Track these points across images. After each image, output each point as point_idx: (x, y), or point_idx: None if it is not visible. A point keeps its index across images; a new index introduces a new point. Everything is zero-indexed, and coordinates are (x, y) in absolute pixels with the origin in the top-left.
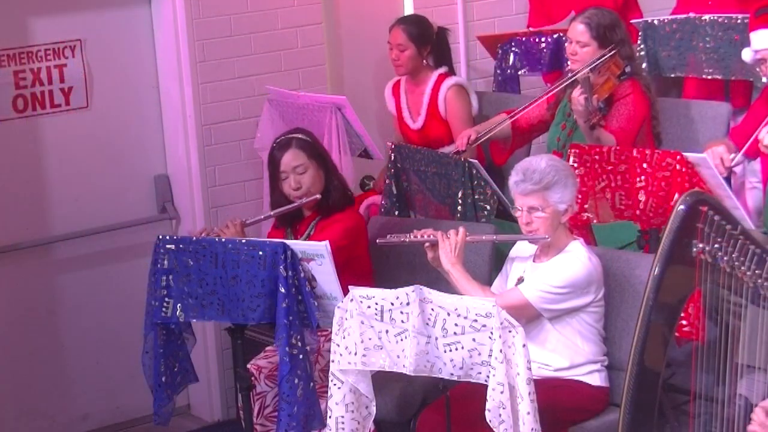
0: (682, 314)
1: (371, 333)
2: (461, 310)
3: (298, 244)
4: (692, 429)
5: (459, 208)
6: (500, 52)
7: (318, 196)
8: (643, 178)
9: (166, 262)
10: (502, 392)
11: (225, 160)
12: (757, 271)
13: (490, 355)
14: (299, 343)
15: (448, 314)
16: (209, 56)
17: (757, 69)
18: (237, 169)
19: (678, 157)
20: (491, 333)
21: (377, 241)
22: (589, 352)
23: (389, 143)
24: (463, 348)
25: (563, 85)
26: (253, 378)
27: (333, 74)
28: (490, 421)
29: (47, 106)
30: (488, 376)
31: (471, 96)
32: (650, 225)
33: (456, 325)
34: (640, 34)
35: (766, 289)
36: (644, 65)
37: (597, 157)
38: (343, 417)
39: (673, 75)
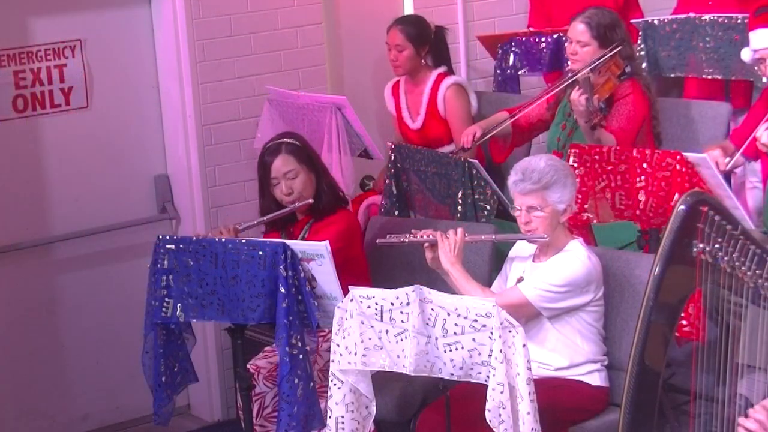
0: (682, 314)
1: (371, 333)
2: (461, 310)
3: (298, 244)
4: (692, 429)
5: (459, 208)
6: (500, 52)
7: (311, 200)
8: (643, 178)
9: (166, 262)
10: (502, 392)
11: (225, 160)
12: (757, 272)
13: (490, 355)
14: (299, 343)
15: (448, 314)
16: (209, 56)
17: (756, 68)
18: (237, 169)
19: (678, 157)
20: (491, 333)
21: (377, 241)
22: (588, 351)
23: (389, 143)
24: (463, 348)
25: (564, 85)
26: (252, 378)
27: (333, 74)
28: (490, 421)
29: (47, 106)
30: (488, 376)
31: (470, 95)
32: (650, 225)
33: (456, 325)
34: (640, 34)
35: (767, 290)
36: (644, 65)
37: (597, 157)
38: (343, 417)
39: (673, 75)
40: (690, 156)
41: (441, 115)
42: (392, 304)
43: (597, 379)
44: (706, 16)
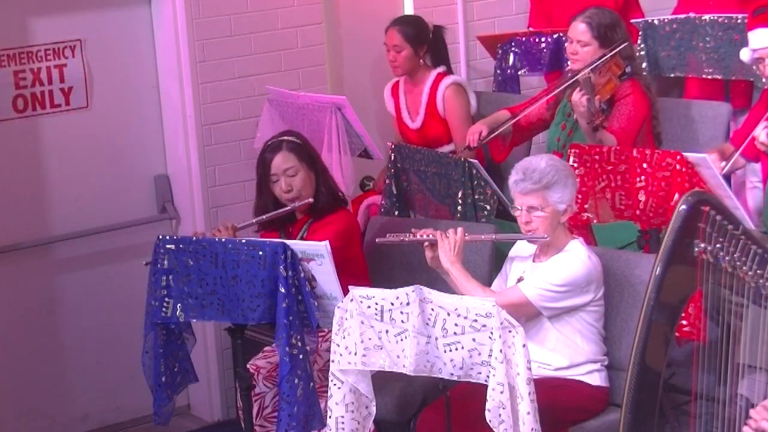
0: (683, 314)
1: (371, 333)
2: (461, 310)
3: (298, 244)
4: (693, 429)
5: (459, 208)
6: (500, 52)
7: (310, 200)
8: (643, 178)
9: (166, 262)
10: (502, 392)
11: (225, 160)
12: (758, 271)
13: (490, 355)
14: (299, 343)
15: (448, 314)
16: (209, 56)
17: (755, 68)
18: (237, 169)
19: (678, 157)
20: (491, 333)
21: (376, 240)
22: (589, 351)
23: (389, 143)
24: (463, 348)
25: (565, 86)
26: (252, 378)
27: (333, 74)
28: (490, 421)
29: (47, 106)
30: (488, 376)
31: (469, 94)
32: (650, 225)
33: (456, 325)
34: (640, 34)
35: None
36: (644, 65)
37: (597, 157)
38: (343, 417)
39: (673, 75)
40: (690, 156)
41: (440, 115)
42: (392, 304)
43: (597, 379)
44: (706, 16)
